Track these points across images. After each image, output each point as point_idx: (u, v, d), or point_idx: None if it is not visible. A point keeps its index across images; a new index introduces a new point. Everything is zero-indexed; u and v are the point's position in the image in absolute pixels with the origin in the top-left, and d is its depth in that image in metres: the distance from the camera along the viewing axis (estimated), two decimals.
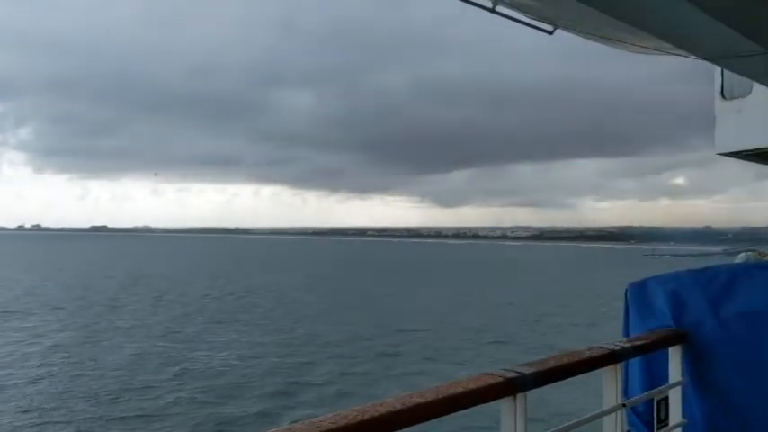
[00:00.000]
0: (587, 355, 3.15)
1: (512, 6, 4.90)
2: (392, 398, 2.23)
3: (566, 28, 5.51)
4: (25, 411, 22.97)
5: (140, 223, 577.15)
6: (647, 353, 3.70)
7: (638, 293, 4.23)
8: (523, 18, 5.16)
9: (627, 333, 4.17)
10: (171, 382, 26.87)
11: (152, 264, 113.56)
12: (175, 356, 32.29)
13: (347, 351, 33.48)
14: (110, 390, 25.60)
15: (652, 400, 3.62)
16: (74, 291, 64.09)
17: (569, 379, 2.93)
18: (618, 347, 3.32)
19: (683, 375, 3.79)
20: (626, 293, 4.30)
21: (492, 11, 4.81)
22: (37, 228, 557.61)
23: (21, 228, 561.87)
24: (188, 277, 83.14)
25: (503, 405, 2.60)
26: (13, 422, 21.76)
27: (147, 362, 30.99)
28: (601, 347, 3.26)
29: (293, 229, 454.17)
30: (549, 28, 5.40)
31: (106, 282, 75.00)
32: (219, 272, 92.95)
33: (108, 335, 38.57)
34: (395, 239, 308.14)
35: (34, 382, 26.90)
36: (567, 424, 2.74)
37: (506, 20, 5.04)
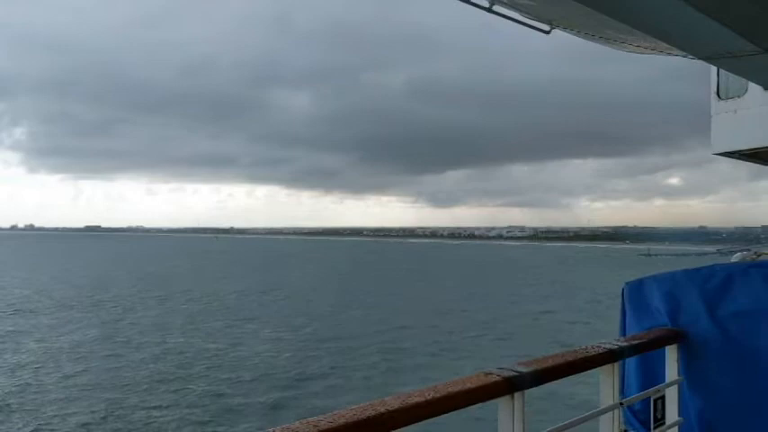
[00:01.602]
0: (585, 354, 3.15)
1: (509, 6, 4.91)
2: (391, 397, 2.23)
3: (562, 28, 5.53)
4: (54, 402, 23.69)
5: (134, 223, 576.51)
6: (644, 352, 3.71)
7: (635, 293, 4.24)
8: (520, 18, 5.17)
9: (624, 332, 4.18)
10: (191, 375, 27.74)
11: (153, 263, 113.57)
12: (193, 351, 33.01)
13: (352, 346, 34.14)
14: (131, 382, 26.44)
15: (649, 398, 3.63)
16: (84, 290, 64.18)
17: (567, 377, 2.94)
18: (615, 347, 3.32)
19: (679, 374, 3.80)
20: (623, 293, 4.31)
21: (489, 10, 4.82)
22: (30, 227, 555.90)
23: (14, 227, 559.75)
24: (190, 276, 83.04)
25: (501, 404, 2.61)
26: (49, 413, 22.50)
27: (167, 356, 31.77)
28: (598, 346, 3.27)
29: (288, 229, 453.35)
30: (546, 28, 5.43)
31: (113, 281, 74.93)
32: (221, 271, 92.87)
33: (126, 332, 39.13)
34: (390, 239, 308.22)
35: (66, 377, 27.64)
36: (564, 423, 2.74)
37: (503, 19, 5.05)
